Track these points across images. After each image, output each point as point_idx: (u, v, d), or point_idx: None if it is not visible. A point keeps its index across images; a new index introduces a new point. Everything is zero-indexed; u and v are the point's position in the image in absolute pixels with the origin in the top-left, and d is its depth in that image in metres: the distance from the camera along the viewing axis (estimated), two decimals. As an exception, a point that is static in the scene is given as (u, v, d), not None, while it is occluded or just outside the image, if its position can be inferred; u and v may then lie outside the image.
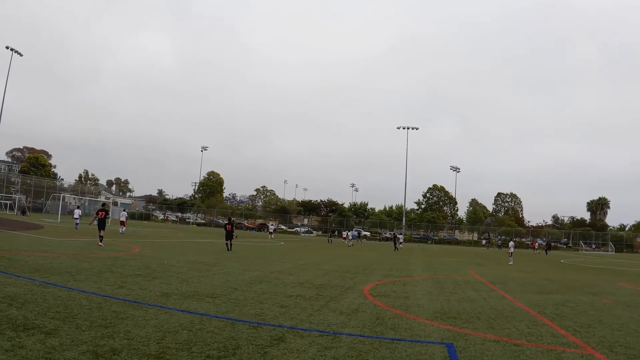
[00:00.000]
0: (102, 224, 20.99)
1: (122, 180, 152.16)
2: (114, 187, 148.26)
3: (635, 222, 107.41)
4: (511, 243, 35.82)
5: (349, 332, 7.27)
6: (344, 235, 55.06)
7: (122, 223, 34.48)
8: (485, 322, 8.81)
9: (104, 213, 21.39)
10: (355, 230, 71.04)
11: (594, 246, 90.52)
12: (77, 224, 35.47)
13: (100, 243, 20.14)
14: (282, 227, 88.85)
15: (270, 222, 78.89)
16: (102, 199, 76.31)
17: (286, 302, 9.63)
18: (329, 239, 54.53)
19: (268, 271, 15.63)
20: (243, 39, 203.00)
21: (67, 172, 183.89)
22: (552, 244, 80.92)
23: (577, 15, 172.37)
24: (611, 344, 7.55)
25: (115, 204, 79.31)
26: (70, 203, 69.94)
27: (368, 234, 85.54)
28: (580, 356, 6.66)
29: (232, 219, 29.40)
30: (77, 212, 37.88)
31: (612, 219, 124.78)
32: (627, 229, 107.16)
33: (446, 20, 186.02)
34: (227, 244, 24.55)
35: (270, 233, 52.62)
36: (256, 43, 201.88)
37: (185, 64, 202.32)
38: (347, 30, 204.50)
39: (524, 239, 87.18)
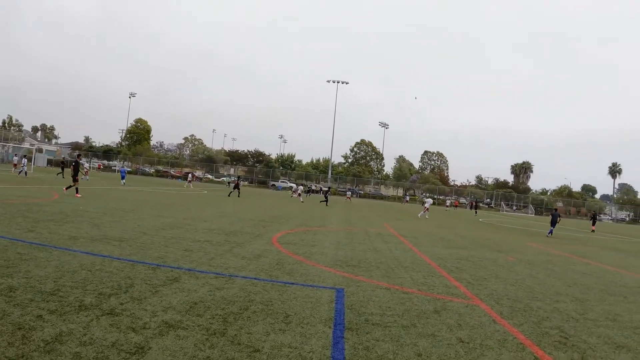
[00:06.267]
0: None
1: (48, 126, 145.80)
2: (39, 134, 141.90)
3: (557, 187, 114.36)
4: (429, 200, 39.75)
5: (245, 275, 7.64)
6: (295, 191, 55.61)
7: (86, 172, 41.33)
8: (383, 271, 9.17)
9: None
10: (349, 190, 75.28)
11: (514, 207, 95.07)
12: None
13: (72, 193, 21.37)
14: (209, 176, 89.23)
15: (190, 171, 79.11)
16: (26, 145, 73.25)
17: (192, 246, 9.98)
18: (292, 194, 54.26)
19: (182, 218, 15.90)
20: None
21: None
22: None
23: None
24: (500, 296, 7.87)
25: (39, 151, 76.13)
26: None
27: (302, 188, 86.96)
28: (465, 306, 6.94)
29: (240, 177, 43.38)
30: None
31: (535, 184, 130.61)
32: (548, 193, 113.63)
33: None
34: (237, 191, 38.32)
35: (189, 182, 53.15)
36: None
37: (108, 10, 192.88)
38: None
39: (446, 197, 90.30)
